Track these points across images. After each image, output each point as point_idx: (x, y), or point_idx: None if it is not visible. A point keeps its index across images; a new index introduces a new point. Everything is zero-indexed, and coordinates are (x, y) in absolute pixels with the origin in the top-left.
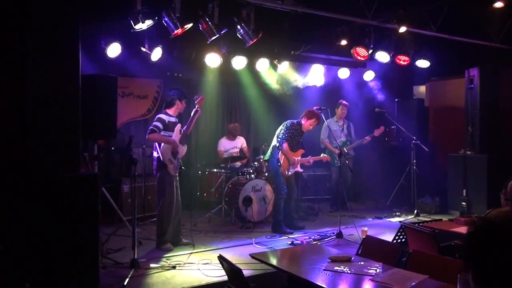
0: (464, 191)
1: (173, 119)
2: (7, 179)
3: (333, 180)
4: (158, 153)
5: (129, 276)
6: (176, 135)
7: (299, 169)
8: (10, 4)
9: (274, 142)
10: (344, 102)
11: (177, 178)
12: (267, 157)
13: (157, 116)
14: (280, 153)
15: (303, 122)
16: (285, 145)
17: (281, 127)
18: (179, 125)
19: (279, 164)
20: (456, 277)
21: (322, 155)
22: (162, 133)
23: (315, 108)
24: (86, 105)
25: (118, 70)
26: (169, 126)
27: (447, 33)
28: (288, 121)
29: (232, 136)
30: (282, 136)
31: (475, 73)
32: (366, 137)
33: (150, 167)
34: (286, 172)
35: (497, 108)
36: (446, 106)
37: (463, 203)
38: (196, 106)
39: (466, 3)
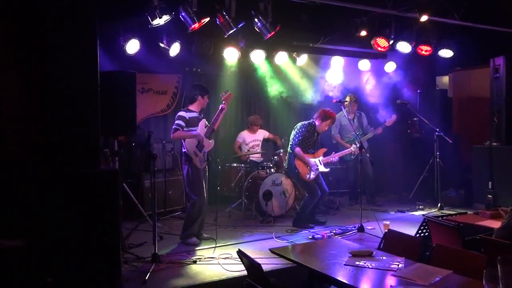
0: (490, 183)
1: (195, 115)
2: (28, 175)
3: (350, 174)
4: (184, 147)
5: (150, 270)
6: (201, 129)
7: (323, 169)
8: (29, 2)
9: (290, 148)
10: (352, 96)
11: (206, 174)
12: (286, 165)
13: (178, 114)
14: (295, 158)
15: (317, 123)
16: (297, 150)
17: (293, 131)
18: (203, 120)
19: (296, 171)
20: (482, 272)
21: (352, 146)
22: (185, 129)
23: (334, 101)
24: (106, 102)
25: (137, 66)
26: (191, 122)
27: (471, 21)
28: (299, 123)
29: (255, 127)
30: (292, 141)
31: (501, 62)
32: (378, 128)
33: (170, 162)
34: (308, 177)
35: None
36: (471, 97)
37: (489, 196)
38: (223, 103)
39: None
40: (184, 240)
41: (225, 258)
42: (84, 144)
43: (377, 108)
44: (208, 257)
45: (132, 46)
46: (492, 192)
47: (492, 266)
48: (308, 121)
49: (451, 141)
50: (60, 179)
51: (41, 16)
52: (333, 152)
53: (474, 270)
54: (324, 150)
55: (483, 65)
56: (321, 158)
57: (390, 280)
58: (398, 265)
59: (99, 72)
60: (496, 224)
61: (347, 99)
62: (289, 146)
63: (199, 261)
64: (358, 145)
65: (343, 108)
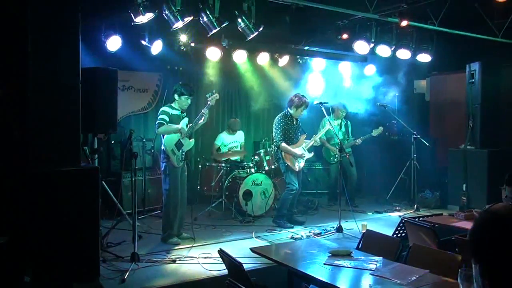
0: (464, 185)
1: (177, 112)
2: (8, 173)
3: (332, 176)
4: (163, 144)
5: (129, 269)
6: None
7: (309, 155)
8: None
9: (275, 146)
10: (342, 104)
11: (185, 173)
12: (276, 161)
13: (161, 109)
14: (282, 153)
15: (292, 111)
16: (283, 145)
17: (273, 128)
18: (185, 120)
19: (286, 164)
20: (457, 272)
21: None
22: (169, 124)
23: (315, 102)
24: (86, 99)
25: (118, 63)
26: (173, 119)
27: (448, 27)
28: (276, 118)
29: (232, 131)
30: (276, 138)
31: (476, 67)
32: (357, 139)
33: (150, 160)
34: (297, 167)
35: (498, 103)
36: (447, 101)
37: (463, 197)
38: (208, 102)
39: None
40: (166, 241)
41: (205, 258)
42: (65, 141)
43: (358, 116)
44: (187, 256)
45: (114, 43)
46: (466, 194)
47: (467, 265)
48: (282, 113)
49: (428, 144)
50: (40, 176)
51: (23, 11)
52: (314, 135)
53: (449, 270)
54: (304, 136)
55: (459, 70)
56: (304, 144)
57: (368, 279)
58: (376, 264)
59: (80, 69)
60: (470, 225)
61: (337, 107)
62: (274, 143)
63: (179, 260)
64: (338, 148)
65: (324, 110)
